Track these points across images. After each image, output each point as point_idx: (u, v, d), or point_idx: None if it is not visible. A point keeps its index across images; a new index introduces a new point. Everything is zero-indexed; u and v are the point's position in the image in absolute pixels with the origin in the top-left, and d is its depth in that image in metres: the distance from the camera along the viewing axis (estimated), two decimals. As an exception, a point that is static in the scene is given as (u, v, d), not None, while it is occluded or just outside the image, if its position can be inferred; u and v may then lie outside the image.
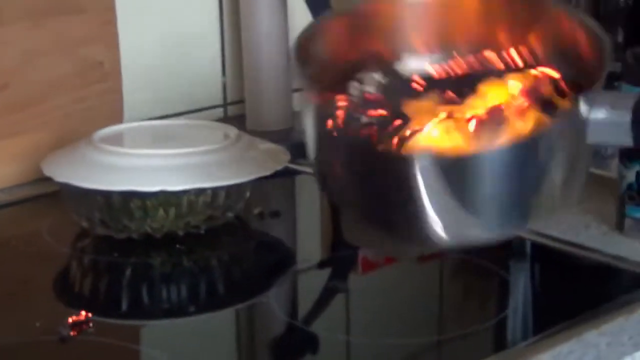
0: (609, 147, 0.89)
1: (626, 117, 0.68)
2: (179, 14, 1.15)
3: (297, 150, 1.03)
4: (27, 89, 1.02)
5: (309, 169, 0.98)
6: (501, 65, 0.80)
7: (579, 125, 0.69)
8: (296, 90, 1.13)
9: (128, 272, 0.85)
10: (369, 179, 0.71)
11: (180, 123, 0.97)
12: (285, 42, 1.12)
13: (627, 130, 0.68)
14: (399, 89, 0.81)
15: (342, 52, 0.82)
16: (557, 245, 0.83)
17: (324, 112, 0.74)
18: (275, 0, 1.12)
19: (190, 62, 1.17)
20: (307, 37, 0.80)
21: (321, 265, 0.88)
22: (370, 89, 0.82)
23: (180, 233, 0.87)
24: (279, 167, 0.89)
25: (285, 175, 0.95)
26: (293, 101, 1.14)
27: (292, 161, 0.94)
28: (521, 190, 0.68)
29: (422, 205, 0.68)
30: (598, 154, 0.96)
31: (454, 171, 0.68)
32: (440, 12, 0.84)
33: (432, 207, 0.68)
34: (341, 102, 0.80)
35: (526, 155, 0.68)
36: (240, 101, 1.19)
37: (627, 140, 0.69)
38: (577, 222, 0.86)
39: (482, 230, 0.69)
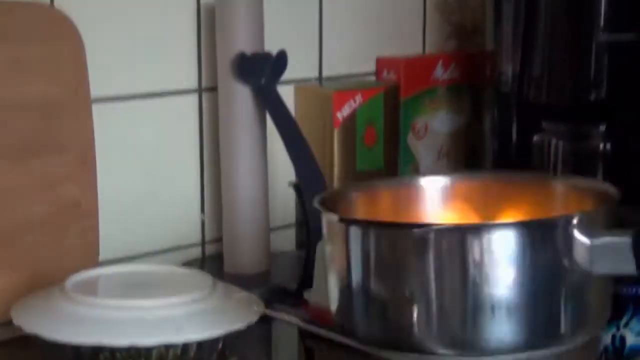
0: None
1: (627, 241, 0.68)
2: (159, 152, 1.15)
3: (274, 295, 1.03)
4: (3, 227, 1.01)
5: (285, 315, 0.97)
6: None
7: (579, 246, 0.70)
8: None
9: None
10: (384, 282, 0.73)
11: (155, 270, 0.96)
12: (264, 182, 1.12)
13: (628, 255, 0.69)
14: None
15: None
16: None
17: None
18: (255, 143, 1.12)
19: (168, 200, 1.17)
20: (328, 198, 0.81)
21: None
22: None
23: (150, 387, 0.85)
24: (252, 320, 0.88)
25: (261, 321, 0.93)
26: (270, 243, 1.14)
27: (267, 306, 0.93)
28: (528, 295, 0.70)
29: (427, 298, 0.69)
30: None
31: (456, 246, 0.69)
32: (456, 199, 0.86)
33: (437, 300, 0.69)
34: None
35: (531, 245, 0.70)
36: (219, 240, 1.18)
37: (629, 267, 0.69)
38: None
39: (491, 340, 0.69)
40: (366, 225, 0.75)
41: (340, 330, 0.79)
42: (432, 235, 0.70)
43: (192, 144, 1.18)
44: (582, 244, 0.70)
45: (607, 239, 0.70)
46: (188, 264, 1.17)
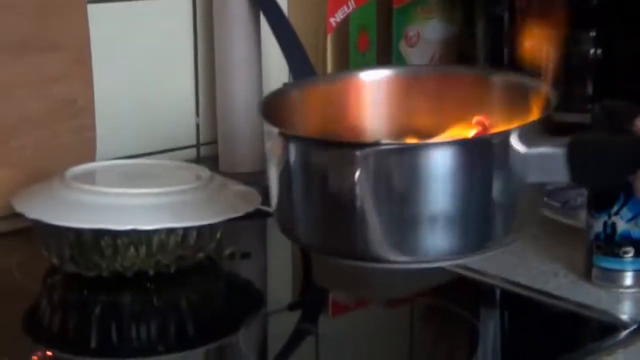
0: (548, 184, 0.90)
1: (562, 152, 0.70)
2: (154, 54, 1.16)
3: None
4: (-1, 125, 1.02)
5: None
6: None
7: (515, 158, 0.71)
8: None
9: (97, 310, 0.84)
10: (323, 195, 0.73)
11: (153, 163, 0.97)
12: (259, 85, 1.13)
13: (563, 165, 0.70)
14: None
15: (302, 125, 0.84)
16: (525, 292, 0.83)
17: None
18: (250, 44, 1.13)
19: (164, 102, 1.17)
20: (275, 99, 0.81)
21: (291, 307, 0.88)
22: None
23: (151, 272, 0.86)
24: (250, 209, 0.89)
25: (257, 217, 0.94)
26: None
27: (264, 203, 0.94)
28: (464, 207, 0.71)
29: (367, 211, 0.70)
30: (568, 204, 0.97)
31: (397, 167, 0.70)
32: (396, 93, 0.86)
33: (377, 213, 0.70)
34: None
35: (466, 162, 0.71)
36: (214, 142, 1.19)
37: (563, 176, 0.71)
38: (546, 270, 0.87)
39: (429, 247, 0.71)
40: (304, 140, 0.75)
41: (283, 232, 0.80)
42: (371, 156, 0.70)
43: (186, 47, 1.19)
44: (519, 153, 0.71)
45: (542, 149, 0.71)
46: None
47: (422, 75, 0.91)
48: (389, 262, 0.72)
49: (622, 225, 0.83)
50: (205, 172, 0.93)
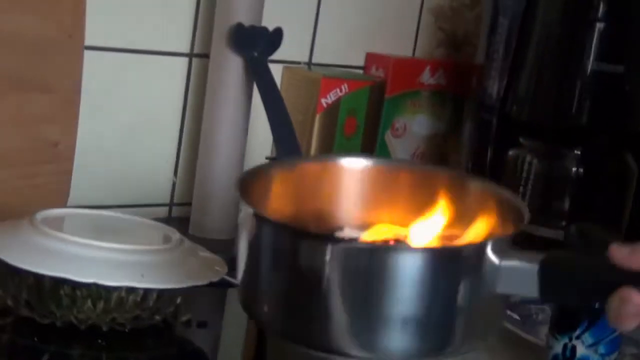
0: (516, 298, 0.90)
1: (534, 267, 0.70)
2: (142, 107, 1.16)
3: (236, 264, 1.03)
4: (-24, 158, 1.01)
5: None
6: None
7: (487, 269, 0.71)
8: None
9: (47, 357, 0.83)
10: (290, 281, 0.73)
11: (125, 218, 0.96)
12: (241, 155, 1.13)
13: (534, 280, 0.70)
14: None
15: (274, 202, 0.84)
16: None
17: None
18: (239, 112, 1.13)
19: (144, 157, 1.17)
20: (254, 175, 0.82)
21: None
22: None
23: (104, 328, 0.85)
24: (214, 279, 0.89)
25: (220, 285, 0.94)
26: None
27: (229, 273, 0.93)
28: (428, 312, 0.71)
29: (332, 304, 0.70)
30: (530, 319, 0.97)
31: (367, 266, 0.70)
32: (372, 184, 0.87)
33: (341, 306, 0.70)
34: None
35: (437, 270, 0.71)
36: (187, 204, 1.19)
37: (533, 291, 0.71)
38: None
39: (390, 346, 0.70)
40: (278, 226, 0.75)
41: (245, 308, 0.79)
42: (341, 252, 0.71)
43: (175, 107, 1.19)
44: (492, 265, 0.71)
45: (515, 262, 0.71)
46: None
47: (400, 170, 0.91)
48: (348, 355, 0.72)
49: (581, 350, 0.83)
50: (175, 234, 0.93)
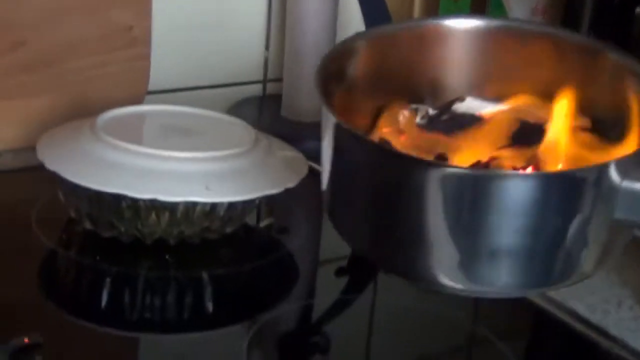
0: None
1: None
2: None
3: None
4: (46, 49, 0.95)
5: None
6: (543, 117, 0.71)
7: (608, 192, 0.60)
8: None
9: (110, 278, 0.78)
10: (382, 198, 0.64)
11: (197, 113, 0.89)
12: (332, 27, 1.03)
13: None
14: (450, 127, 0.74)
15: (373, 79, 0.74)
16: (578, 327, 0.73)
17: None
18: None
19: (231, 33, 1.08)
20: (335, 58, 0.72)
21: (337, 273, 0.81)
22: (421, 121, 0.75)
23: (172, 242, 0.79)
24: (290, 185, 0.81)
25: (309, 177, 0.85)
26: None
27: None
28: (538, 240, 0.61)
29: (430, 229, 0.61)
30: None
31: (470, 193, 0.61)
32: (486, 49, 0.76)
33: (441, 233, 0.61)
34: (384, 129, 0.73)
35: (549, 198, 0.61)
36: (282, 79, 1.10)
37: None
38: (610, 296, 0.77)
39: (495, 279, 0.62)
40: (373, 146, 0.65)
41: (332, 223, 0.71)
42: (441, 179, 0.61)
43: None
44: (613, 186, 0.60)
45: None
46: (246, 101, 1.09)
47: (520, 31, 0.78)
48: (459, 290, 0.63)
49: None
50: (251, 134, 0.85)
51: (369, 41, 0.75)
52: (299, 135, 0.93)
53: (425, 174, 0.62)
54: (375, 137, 0.72)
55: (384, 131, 0.74)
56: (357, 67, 0.74)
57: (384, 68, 0.75)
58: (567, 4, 1.21)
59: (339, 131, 0.66)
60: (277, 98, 1.09)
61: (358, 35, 0.75)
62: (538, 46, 0.76)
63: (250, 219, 0.84)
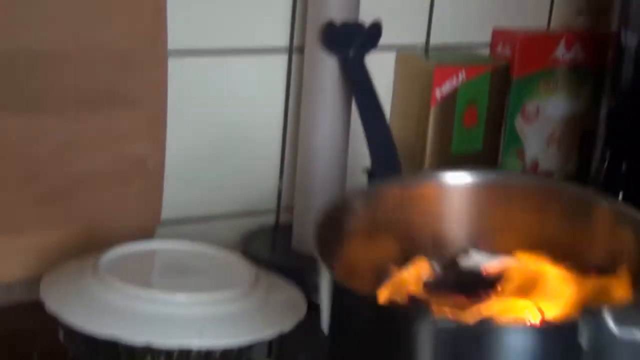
0: None
1: None
2: (239, 110, 1.09)
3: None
4: (59, 183, 0.97)
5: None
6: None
7: (605, 341, 0.60)
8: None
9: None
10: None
11: (199, 251, 0.90)
12: (342, 164, 1.05)
13: None
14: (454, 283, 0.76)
15: (372, 233, 0.76)
16: None
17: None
18: (337, 115, 1.04)
19: (244, 163, 1.10)
20: (335, 211, 0.74)
21: None
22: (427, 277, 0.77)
23: (168, 383, 0.81)
24: (286, 329, 0.82)
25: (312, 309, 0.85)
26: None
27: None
28: None
29: None
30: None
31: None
32: (484, 203, 0.77)
33: None
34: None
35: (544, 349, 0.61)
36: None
37: None
38: None
39: None
40: (362, 300, 0.67)
41: None
42: (434, 332, 0.62)
43: (276, 104, 1.11)
44: (609, 334, 0.60)
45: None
46: (259, 233, 1.11)
47: (517, 186, 0.81)
48: None
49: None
50: (251, 272, 0.86)
51: (366, 199, 0.78)
52: (308, 268, 0.94)
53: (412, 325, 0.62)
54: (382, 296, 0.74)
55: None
56: (355, 221, 0.75)
57: (381, 222, 0.77)
58: (581, 133, 1.22)
59: (337, 290, 0.67)
60: (290, 229, 1.10)
61: (355, 192, 0.78)
62: (535, 198, 0.78)
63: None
